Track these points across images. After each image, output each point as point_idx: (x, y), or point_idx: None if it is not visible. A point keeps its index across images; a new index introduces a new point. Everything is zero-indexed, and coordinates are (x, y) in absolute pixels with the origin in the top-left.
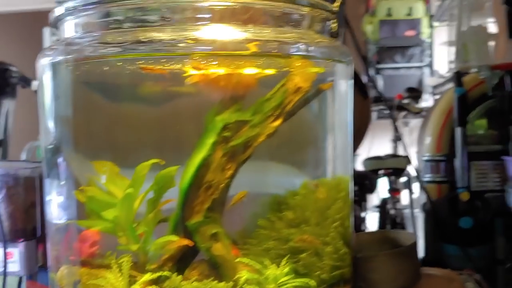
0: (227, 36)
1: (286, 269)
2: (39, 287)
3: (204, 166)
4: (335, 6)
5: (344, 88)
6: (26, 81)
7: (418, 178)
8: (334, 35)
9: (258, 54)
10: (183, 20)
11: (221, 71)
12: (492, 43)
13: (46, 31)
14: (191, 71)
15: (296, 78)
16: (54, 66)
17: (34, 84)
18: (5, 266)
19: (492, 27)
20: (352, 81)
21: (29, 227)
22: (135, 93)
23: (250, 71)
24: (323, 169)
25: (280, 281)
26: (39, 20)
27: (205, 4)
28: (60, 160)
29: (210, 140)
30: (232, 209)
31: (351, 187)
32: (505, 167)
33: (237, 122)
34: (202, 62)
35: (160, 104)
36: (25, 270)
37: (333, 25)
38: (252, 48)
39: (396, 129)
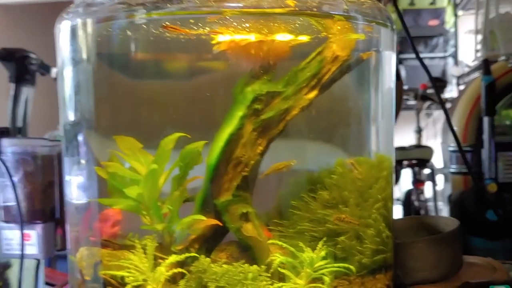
0: None
1: (323, 253)
2: (58, 275)
3: (233, 141)
4: None
5: (389, 58)
6: (45, 68)
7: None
8: None
9: (295, 12)
10: None
11: (252, 37)
12: None
13: None
14: (220, 38)
15: (334, 46)
16: (73, 30)
17: (54, 71)
18: (22, 249)
19: None
20: (395, 54)
21: (47, 208)
22: (160, 62)
23: (283, 37)
24: (364, 146)
25: (317, 265)
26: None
27: None
28: (80, 136)
29: (239, 113)
30: (263, 188)
31: (393, 167)
32: None
33: (268, 94)
34: (233, 25)
35: (186, 74)
36: (43, 253)
37: None
38: (290, 3)
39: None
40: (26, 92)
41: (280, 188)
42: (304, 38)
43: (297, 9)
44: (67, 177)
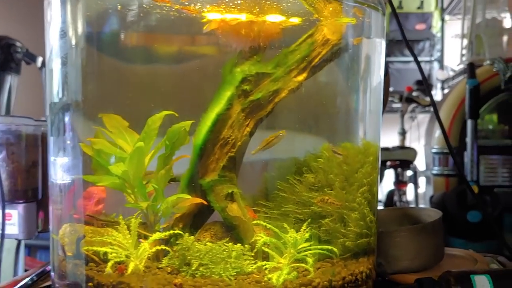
0: None
1: (307, 235)
2: (38, 263)
3: (220, 121)
4: None
5: (379, 44)
6: (31, 57)
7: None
8: None
9: None
10: None
11: (243, 17)
12: (505, 37)
13: None
14: (210, 15)
15: (325, 29)
16: (63, 2)
17: (39, 60)
18: (3, 228)
19: (507, 21)
20: (384, 40)
21: (30, 189)
22: (149, 40)
23: (274, 18)
24: (351, 132)
25: (300, 246)
26: None
27: None
28: (67, 114)
29: (227, 93)
30: (249, 169)
31: (379, 153)
32: None
33: (257, 75)
34: (224, 1)
35: (175, 53)
36: (24, 233)
37: None
38: None
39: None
40: (10, 80)
41: (267, 170)
42: (295, 20)
43: None
44: (52, 157)
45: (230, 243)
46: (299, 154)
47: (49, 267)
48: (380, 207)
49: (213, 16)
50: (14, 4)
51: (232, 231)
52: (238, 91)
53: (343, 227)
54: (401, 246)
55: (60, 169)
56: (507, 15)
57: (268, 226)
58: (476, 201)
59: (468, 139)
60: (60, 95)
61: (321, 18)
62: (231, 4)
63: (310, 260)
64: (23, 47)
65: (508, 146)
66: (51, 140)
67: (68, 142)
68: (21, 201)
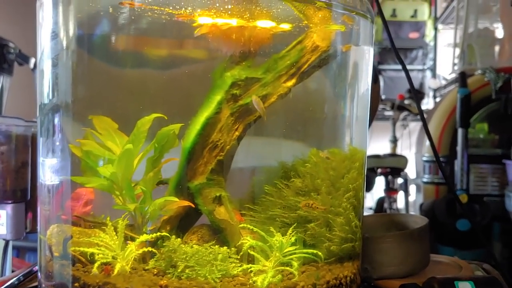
0: None
1: (293, 239)
2: (26, 265)
3: (210, 124)
4: None
5: (367, 51)
6: (23, 58)
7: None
8: None
9: None
10: None
11: (233, 22)
12: (497, 47)
13: None
14: (201, 20)
15: (315, 36)
16: (55, 4)
17: (32, 61)
18: None
19: (499, 31)
20: (372, 48)
21: (19, 189)
22: (140, 43)
23: (264, 24)
24: (338, 138)
25: (286, 250)
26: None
27: None
28: (56, 116)
29: (217, 97)
30: (237, 173)
31: (365, 161)
32: (506, 171)
33: (247, 79)
34: (214, 6)
35: (165, 57)
36: (12, 233)
37: None
38: None
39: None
40: (3, 81)
41: (255, 174)
42: (285, 26)
43: None
44: (41, 158)
45: (216, 245)
46: (287, 158)
47: (37, 268)
48: (370, 213)
49: (204, 20)
50: (7, 5)
51: (219, 234)
52: (227, 96)
53: (328, 232)
54: (387, 252)
55: (49, 170)
56: (499, 25)
57: (255, 229)
58: (463, 211)
59: (459, 148)
60: (50, 96)
61: (311, 25)
62: (221, 9)
63: (295, 264)
64: (16, 48)
65: (498, 156)
66: (40, 141)
67: (58, 143)
68: (10, 202)
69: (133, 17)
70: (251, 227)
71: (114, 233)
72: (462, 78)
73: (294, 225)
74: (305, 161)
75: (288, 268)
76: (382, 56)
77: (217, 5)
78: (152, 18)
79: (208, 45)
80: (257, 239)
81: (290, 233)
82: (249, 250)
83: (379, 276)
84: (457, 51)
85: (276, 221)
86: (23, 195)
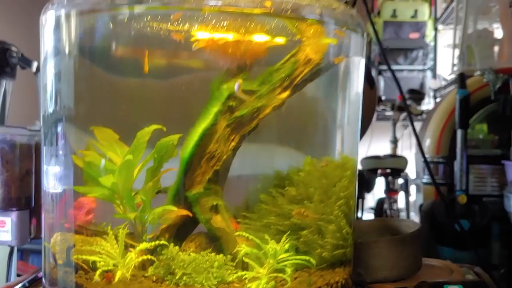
0: None
1: (286, 246)
2: (30, 268)
3: (207, 135)
4: None
5: (357, 63)
6: (26, 62)
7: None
8: (350, 3)
9: (270, 14)
10: None
11: (230, 36)
12: (496, 48)
13: None
14: (198, 34)
15: (308, 49)
16: (57, 20)
17: (34, 65)
18: None
19: (498, 32)
20: (364, 60)
21: (23, 197)
22: (140, 57)
23: (259, 38)
24: (330, 147)
25: (280, 257)
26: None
27: None
28: (59, 126)
29: (214, 109)
30: (233, 182)
31: (357, 169)
32: (505, 172)
33: (243, 92)
34: (211, 23)
35: (165, 70)
36: (16, 240)
37: None
38: (267, 3)
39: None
40: (5, 85)
41: (251, 184)
42: (280, 40)
43: (273, 10)
44: (44, 166)
45: (213, 253)
46: (282, 167)
47: (41, 274)
48: (370, 214)
49: (201, 35)
50: (10, 8)
51: (216, 241)
52: (224, 107)
53: (320, 239)
54: (380, 256)
55: (53, 179)
56: (499, 26)
57: (250, 237)
58: (465, 211)
59: (458, 149)
60: (53, 108)
61: (304, 39)
62: (218, 25)
63: (288, 270)
64: (18, 51)
65: (498, 156)
66: (44, 150)
67: (61, 153)
68: (15, 209)
69: (133, 32)
70: (247, 234)
71: (115, 241)
72: (461, 79)
73: (288, 232)
74: (299, 169)
75: (281, 274)
76: (382, 57)
77: (213, 22)
78: (152, 33)
79: (206, 58)
80: (253, 246)
81: (284, 240)
82: (244, 258)
83: (372, 280)
84: (457, 52)
85: (271, 228)
86: (27, 202)
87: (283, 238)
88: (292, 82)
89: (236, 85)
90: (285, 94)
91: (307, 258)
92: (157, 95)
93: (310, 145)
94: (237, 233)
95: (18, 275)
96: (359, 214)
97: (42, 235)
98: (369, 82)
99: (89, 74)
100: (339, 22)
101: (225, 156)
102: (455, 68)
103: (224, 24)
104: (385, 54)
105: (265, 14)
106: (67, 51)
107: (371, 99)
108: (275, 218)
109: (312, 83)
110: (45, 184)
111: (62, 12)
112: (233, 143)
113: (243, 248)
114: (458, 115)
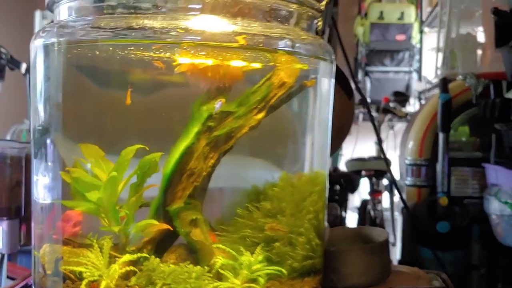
0: (216, 28)
1: (260, 257)
2: (19, 269)
3: (187, 153)
4: (322, 5)
5: (326, 86)
6: (15, 63)
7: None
8: (319, 33)
9: (245, 47)
10: (174, 9)
11: (209, 62)
12: (479, 52)
13: (38, 15)
14: (180, 60)
15: (281, 73)
16: (46, 48)
17: (23, 66)
18: None
19: (481, 36)
20: (334, 81)
21: (13, 206)
22: (124, 80)
23: (237, 63)
24: (301, 163)
25: (254, 267)
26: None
27: None
28: (48, 141)
29: (195, 129)
30: (212, 197)
31: (326, 183)
32: (485, 174)
33: (222, 113)
34: (191, 52)
35: (148, 91)
36: (7, 247)
37: (319, 23)
38: (240, 40)
39: (377, 132)
40: None
41: (228, 199)
42: (256, 65)
43: (246, 43)
44: (34, 178)
45: (191, 265)
46: (258, 182)
47: (31, 281)
48: (355, 214)
49: (183, 60)
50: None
51: (195, 253)
52: (204, 127)
53: (291, 250)
54: (350, 264)
55: (42, 191)
56: (482, 30)
57: (226, 249)
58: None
59: (440, 152)
60: (43, 124)
61: (277, 64)
62: (198, 52)
63: (261, 280)
64: (7, 53)
65: (479, 159)
66: (34, 162)
67: (50, 165)
68: (5, 218)
69: (118, 57)
70: (223, 247)
71: (100, 253)
72: (444, 84)
73: (262, 244)
74: (274, 184)
75: (254, 284)
76: (369, 58)
77: (193, 52)
78: (136, 58)
79: (187, 82)
80: (229, 258)
81: (258, 252)
82: (220, 269)
83: (343, 286)
84: (440, 55)
85: (246, 241)
86: (17, 211)
87: (257, 250)
88: (267, 103)
89: (219, 103)
90: (260, 115)
91: (279, 268)
92: (141, 115)
93: (282, 161)
94: (214, 245)
95: (8, 277)
96: (343, 214)
97: (32, 244)
98: (347, 92)
99: (77, 95)
100: (308, 52)
101: (204, 173)
102: (439, 72)
103: (203, 54)
104: (349, 64)
105: (240, 47)
106: (55, 74)
107: (347, 111)
108: (250, 230)
109: (285, 104)
110: (35, 195)
111: (51, 41)
112: (212, 160)
113: (219, 260)
114: (440, 119)
